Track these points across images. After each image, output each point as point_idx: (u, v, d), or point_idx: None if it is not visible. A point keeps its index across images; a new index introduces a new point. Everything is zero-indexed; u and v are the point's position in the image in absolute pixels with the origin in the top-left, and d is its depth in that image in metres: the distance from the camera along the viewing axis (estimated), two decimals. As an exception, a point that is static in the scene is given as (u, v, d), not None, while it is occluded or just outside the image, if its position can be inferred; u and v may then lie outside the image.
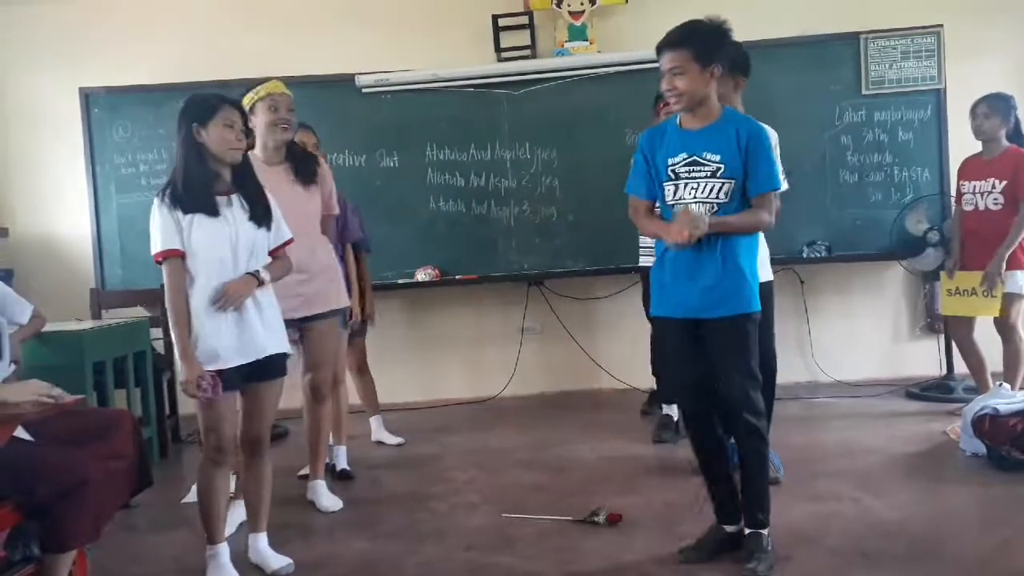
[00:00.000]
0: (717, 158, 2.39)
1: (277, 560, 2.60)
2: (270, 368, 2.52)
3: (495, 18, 4.95)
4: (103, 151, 4.95)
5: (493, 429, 4.44)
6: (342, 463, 3.64)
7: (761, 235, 3.32)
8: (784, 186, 3.33)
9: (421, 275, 4.92)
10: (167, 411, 4.38)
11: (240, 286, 2.41)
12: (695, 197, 2.41)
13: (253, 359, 2.46)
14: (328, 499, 3.23)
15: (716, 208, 2.39)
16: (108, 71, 4.98)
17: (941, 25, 4.74)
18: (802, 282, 5.01)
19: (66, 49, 5.08)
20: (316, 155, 3.38)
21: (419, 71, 4.88)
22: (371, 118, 4.90)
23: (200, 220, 2.40)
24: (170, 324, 2.43)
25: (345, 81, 4.84)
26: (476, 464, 3.74)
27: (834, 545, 2.57)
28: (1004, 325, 3.96)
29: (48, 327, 3.43)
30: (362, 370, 4.20)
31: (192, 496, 3.30)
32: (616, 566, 2.53)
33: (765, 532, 2.46)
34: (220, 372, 2.39)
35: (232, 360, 2.41)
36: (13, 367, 2.78)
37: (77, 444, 2.29)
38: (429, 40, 5.01)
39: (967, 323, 4.11)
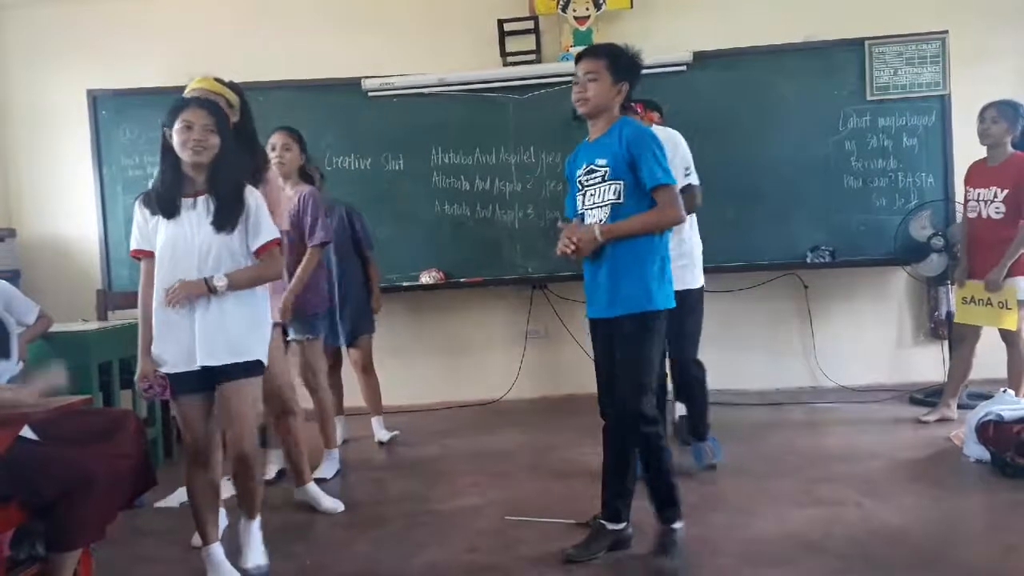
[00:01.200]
0: (604, 162, 2.54)
1: (259, 556, 2.59)
2: (225, 373, 2.44)
3: (501, 23, 4.97)
4: (110, 153, 4.98)
5: (497, 432, 4.44)
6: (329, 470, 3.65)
7: (692, 242, 3.43)
8: (695, 180, 3.47)
9: (426, 278, 4.94)
10: (172, 412, 4.39)
11: (187, 286, 2.38)
12: (594, 203, 2.56)
13: (188, 368, 2.42)
14: (329, 501, 3.24)
15: (609, 211, 2.51)
16: (115, 73, 5.01)
17: (946, 31, 4.74)
18: (806, 287, 5.01)
19: (74, 51, 5.12)
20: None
21: (425, 75, 4.90)
22: (377, 122, 4.92)
23: (163, 222, 2.45)
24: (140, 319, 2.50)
25: (351, 85, 4.86)
26: (479, 467, 3.74)
27: (837, 550, 2.57)
28: (1008, 332, 3.95)
29: (54, 327, 3.45)
30: (367, 370, 4.22)
31: (167, 501, 3.33)
32: (618, 569, 2.54)
33: (677, 526, 2.58)
34: (170, 375, 2.43)
35: (175, 366, 2.43)
36: (21, 365, 2.80)
37: (82, 444, 2.31)
38: (435, 44, 5.03)
39: (973, 332, 4.10)
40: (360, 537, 2.93)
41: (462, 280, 4.98)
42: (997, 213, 3.91)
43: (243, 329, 2.47)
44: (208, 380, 2.45)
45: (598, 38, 4.96)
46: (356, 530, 3.01)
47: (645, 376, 2.49)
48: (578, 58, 2.60)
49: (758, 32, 4.80)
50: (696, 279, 3.45)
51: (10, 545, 2.26)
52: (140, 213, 2.48)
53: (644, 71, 2.64)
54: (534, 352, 5.19)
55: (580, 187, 2.63)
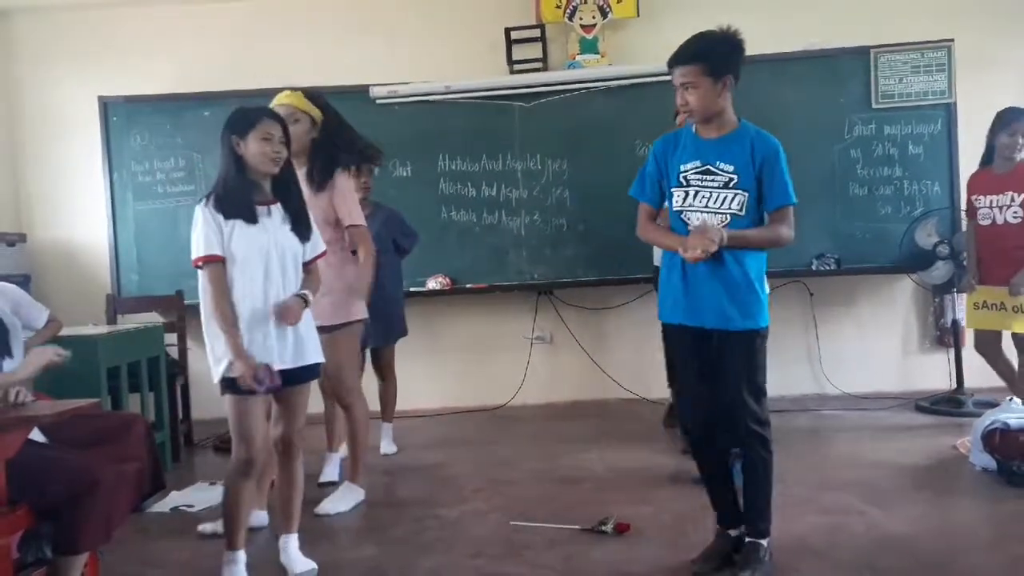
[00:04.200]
0: (731, 168, 2.38)
1: (301, 564, 2.62)
2: (305, 374, 2.59)
3: (508, 31, 5.00)
4: (121, 159, 5.02)
5: (502, 438, 4.45)
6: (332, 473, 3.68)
7: None
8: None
9: (432, 283, 4.96)
10: (180, 416, 4.42)
11: (295, 310, 2.49)
12: (706, 206, 2.40)
13: (292, 366, 2.52)
14: (331, 503, 3.26)
15: (729, 220, 2.38)
16: (127, 80, 5.06)
17: (952, 39, 4.75)
18: (811, 294, 5.01)
19: (85, 58, 5.18)
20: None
21: (432, 83, 4.93)
22: (384, 128, 4.91)
23: (240, 227, 2.45)
24: (218, 326, 2.42)
25: (359, 92, 4.89)
26: (485, 472, 3.75)
27: (841, 559, 2.57)
28: (1020, 338, 3.95)
29: (64, 332, 3.46)
30: (386, 375, 4.21)
31: (162, 506, 3.35)
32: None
33: (764, 543, 2.47)
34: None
35: (276, 362, 2.47)
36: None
37: (90, 447, 2.33)
38: (442, 52, 5.07)
39: (994, 335, 4.08)
40: (366, 541, 2.94)
41: (468, 286, 5.00)
42: (1015, 217, 3.94)
43: (313, 334, 2.61)
44: (285, 381, 2.51)
45: (604, 46, 5.00)
46: (362, 534, 3.02)
47: (762, 382, 2.45)
48: (670, 63, 2.42)
49: (764, 40, 4.78)
50: None
51: (18, 548, 2.27)
52: (210, 218, 2.43)
53: (737, 52, 2.45)
54: (540, 358, 5.20)
55: (683, 183, 2.43)
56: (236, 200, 2.46)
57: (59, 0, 5.08)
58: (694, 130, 2.48)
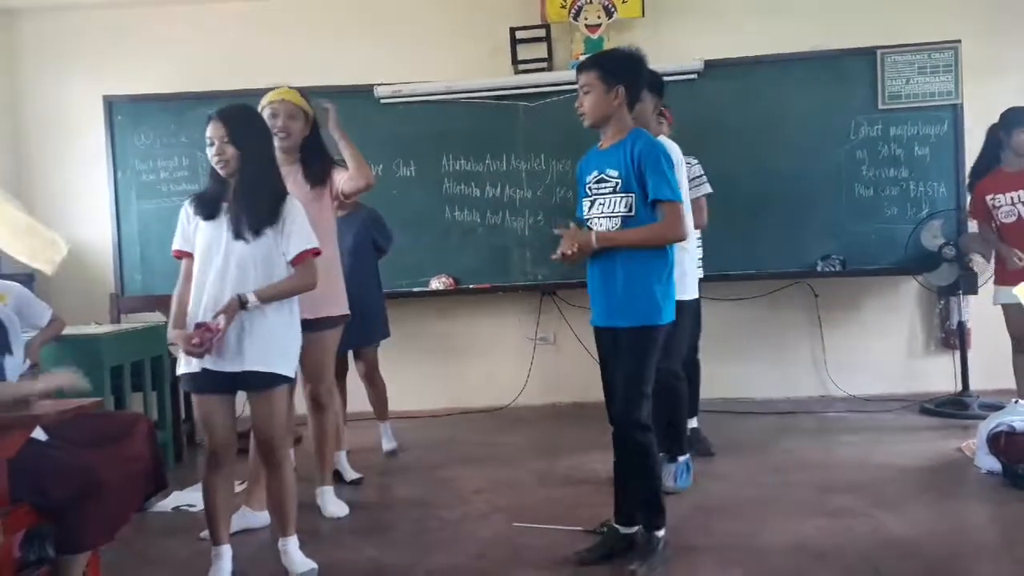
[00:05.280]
0: (616, 174, 2.54)
1: (301, 565, 2.62)
2: (251, 382, 2.50)
3: (512, 31, 4.99)
4: (125, 158, 5.03)
5: (505, 438, 4.44)
6: (344, 469, 3.68)
7: (690, 253, 3.41)
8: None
9: (436, 284, 4.96)
10: (183, 415, 4.42)
11: (228, 311, 2.41)
12: (602, 212, 2.57)
13: (215, 368, 2.46)
14: (334, 505, 3.25)
15: (620, 223, 2.52)
16: (131, 79, 5.06)
17: (959, 41, 4.72)
18: (816, 296, 4.99)
19: (91, 58, 5.18)
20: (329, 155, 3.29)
21: (436, 82, 4.93)
22: (388, 128, 4.95)
23: (202, 224, 2.54)
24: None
25: (363, 91, 4.89)
26: (487, 473, 3.74)
27: (847, 562, 2.56)
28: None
29: (67, 331, 3.48)
30: (372, 379, 4.18)
31: (164, 505, 3.36)
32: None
33: (659, 534, 2.56)
34: (191, 374, 2.49)
35: (203, 363, 2.45)
36: (27, 364, 2.82)
37: (93, 447, 2.32)
38: (447, 52, 5.06)
39: None
40: (367, 543, 2.93)
41: (472, 286, 4.99)
42: None
43: (267, 342, 2.49)
44: (233, 383, 2.50)
45: (609, 46, 4.97)
46: (363, 535, 3.02)
47: (644, 386, 2.54)
48: (576, 70, 2.63)
49: (770, 41, 4.79)
50: (686, 291, 3.32)
51: (20, 546, 2.28)
52: (184, 213, 2.58)
53: (631, 66, 2.57)
54: (543, 359, 5.19)
55: (588, 193, 2.64)
56: (204, 198, 2.57)
57: (65, 0, 5.08)
58: (599, 144, 2.66)
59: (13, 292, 3.16)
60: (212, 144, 2.50)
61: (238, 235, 2.48)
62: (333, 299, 3.12)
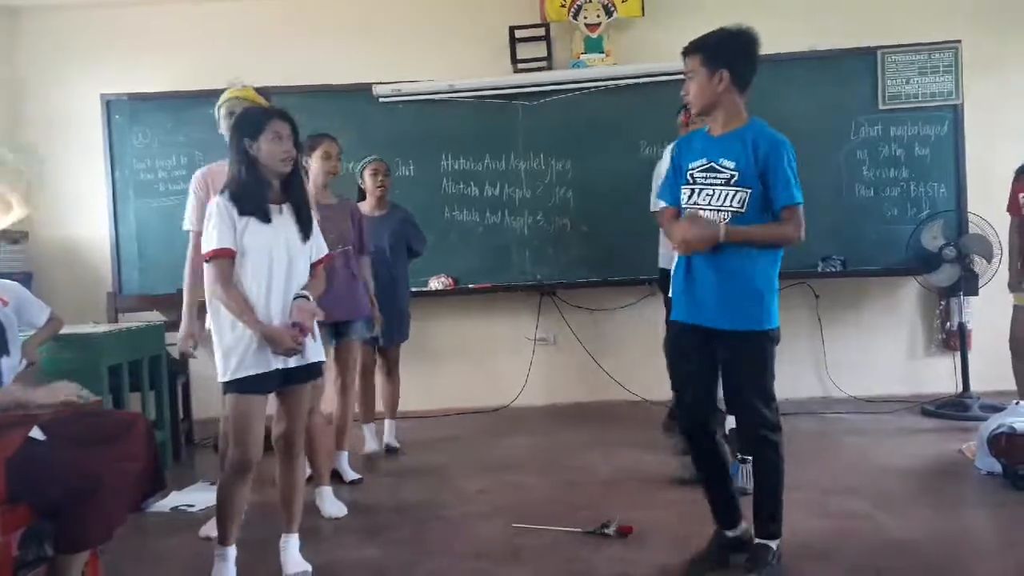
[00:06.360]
0: (732, 165, 2.36)
1: (295, 566, 2.61)
2: (307, 372, 2.57)
3: (512, 30, 4.98)
4: (123, 157, 5.01)
5: (505, 439, 4.43)
6: (343, 470, 3.67)
7: None
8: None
9: (435, 283, 4.95)
10: (181, 415, 4.41)
11: (310, 310, 2.49)
12: (709, 204, 2.39)
13: (294, 365, 2.50)
14: (333, 505, 3.24)
15: (728, 217, 2.36)
16: (129, 79, 5.05)
17: (959, 41, 4.72)
18: (817, 297, 4.99)
19: (89, 56, 5.17)
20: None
21: (436, 81, 4.92)
22: (387, 127, 4.94)
23: (253, 224, 2.45)
24: (232, 315, 2.41)
25: (362, 90, 4.88)
26: (487, 474, 3.73)
27: (847, 562, 2.55)
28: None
29: (65, 330, 3.46)
30: (391, 375, 4.20)
31: (162, 505, 3.33)
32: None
33: (773, 545, 2.45)
34: (264, 374, 2.44)
35: (277, 363, 2.45)
36: (24, 363, 2.80)
37: (91, 446, 2.31)
38: (446, 51, 5.05)
39: None
40: (367, 542, 2.92)
41: (471, 286, 4.98)
42: None
43: (318, 332, 2.60)
44: (286, 379, 2.51)
45: (609, 45, 4.98)
46: (363, 535, 3.01)
47: (772, 387, 2.43)
48: (683, 56, 2.46)
49: (770, 41, 4.73)
50: None
51: (18, 545, 2.26)
52: (226, 213, 2.42)
53: (738, 48, 2.42)
54: (542, 359, 5.18)
55: (690, 181, 2.43)
56: (251, 198, 2.46)
57: (63, -2, 5.08)
58: (707, 129, 2.49)
59: (11, 291, 3.15)
60: (280, 139, 2.45)
61: (307, 236, 2.55)
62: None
